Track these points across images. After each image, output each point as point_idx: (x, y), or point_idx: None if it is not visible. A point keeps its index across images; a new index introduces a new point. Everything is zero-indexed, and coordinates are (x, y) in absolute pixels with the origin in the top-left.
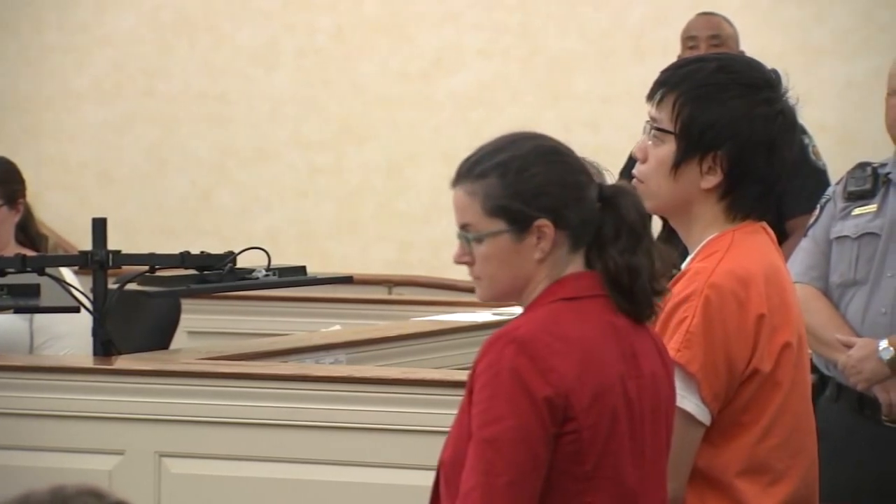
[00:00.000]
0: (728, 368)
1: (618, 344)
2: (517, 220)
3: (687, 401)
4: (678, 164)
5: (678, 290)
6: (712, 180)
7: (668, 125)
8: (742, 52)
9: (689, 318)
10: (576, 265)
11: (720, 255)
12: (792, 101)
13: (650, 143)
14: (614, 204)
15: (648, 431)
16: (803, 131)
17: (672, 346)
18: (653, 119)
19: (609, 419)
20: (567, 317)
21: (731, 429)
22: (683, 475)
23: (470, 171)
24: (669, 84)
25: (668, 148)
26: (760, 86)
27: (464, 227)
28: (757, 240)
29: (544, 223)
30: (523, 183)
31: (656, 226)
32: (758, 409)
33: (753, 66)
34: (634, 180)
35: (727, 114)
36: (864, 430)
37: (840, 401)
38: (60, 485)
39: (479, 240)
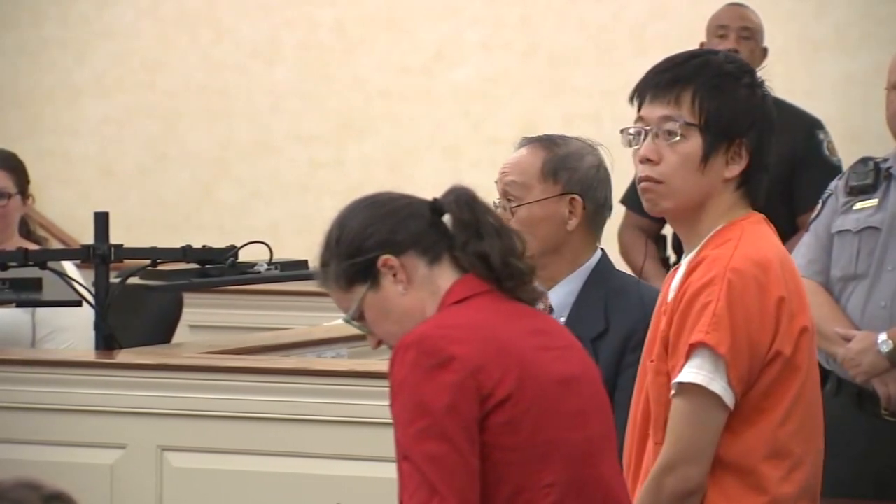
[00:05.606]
0: (751, 352)
1: (521, 323)
2: (364, 273)
3: (715, 383)
4: (707, 155)
5: (697, 278)
6: (736, 169)
7: (691, 119)
8: (765, 48)
9: (714, 301)
10: (447, 275)
11: (735, 243)
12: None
13: (664, 142)
14: (441, 207)
15: (585, 393)
16: (819, 126)
17: (699, 329)
18: (666, 117)
19: (531, 388)
20: (459, 312)
21: (752, 414)
22: (706, 459)
23: (321, 274)
24: (682, 80)
25: (694, 142)
26: (753, 74)
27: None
28: (763, 229)
29: (384, 258)
30: (346, 243)
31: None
32: (778, 393)
33: (738, 57)
34: (648, 183)
35: (746, 102)
36: (864, 423)
37: (840, 395)
38: None
39: (359, 316)
